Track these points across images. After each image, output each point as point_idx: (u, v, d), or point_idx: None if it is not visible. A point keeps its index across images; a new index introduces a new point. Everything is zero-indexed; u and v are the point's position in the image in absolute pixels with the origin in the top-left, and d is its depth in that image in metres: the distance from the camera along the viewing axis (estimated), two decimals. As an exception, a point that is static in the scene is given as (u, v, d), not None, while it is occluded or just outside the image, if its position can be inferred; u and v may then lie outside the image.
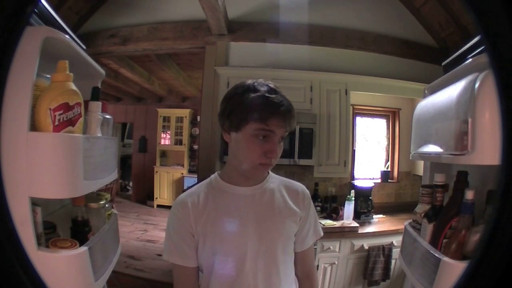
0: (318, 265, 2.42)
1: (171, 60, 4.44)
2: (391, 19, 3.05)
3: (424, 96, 1.24)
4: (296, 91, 2.70)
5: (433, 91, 1.12)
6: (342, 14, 3.00)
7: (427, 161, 1.27)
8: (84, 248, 0.76)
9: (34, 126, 0.68)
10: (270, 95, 0.83)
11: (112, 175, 1.04)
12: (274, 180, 0.98)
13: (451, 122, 0.85)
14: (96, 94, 0.93)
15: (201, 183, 0.97)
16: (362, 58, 3.02)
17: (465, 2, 0.37)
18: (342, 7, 2.98)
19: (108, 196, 1.06)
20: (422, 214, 0.99)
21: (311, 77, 2.75)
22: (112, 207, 1.13)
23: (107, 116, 1.03)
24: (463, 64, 0.91)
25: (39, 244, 0.68)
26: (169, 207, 6.98)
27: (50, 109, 0.68)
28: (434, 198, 0.96)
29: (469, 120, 0.75)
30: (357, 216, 2.76)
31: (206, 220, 0.87)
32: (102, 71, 1.14)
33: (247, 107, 0.83)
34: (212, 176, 0.97)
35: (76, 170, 0.72)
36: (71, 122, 0.74)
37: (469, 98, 0.76)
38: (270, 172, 0.98)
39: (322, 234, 1.01)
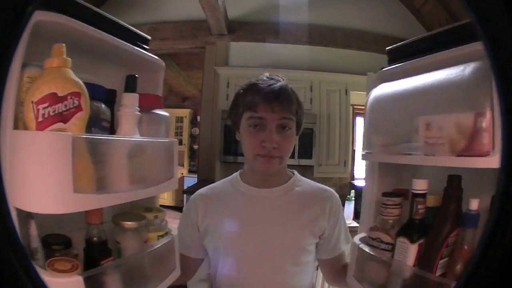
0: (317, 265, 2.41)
1: (171, 60, 4.44)
2: (391, 19, 3.05)
3: (382, 80, 0.88)
4: (296, 91, 2.69)
5: (404, 75, 0.79)
6: (342, 14, 3.01)
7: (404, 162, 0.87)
8: (75, 278, 0.57)
9: (24, 124, 0.54)
10: (258, 82, 0.80)
11: (161, 186, 0.71)
12: (300, 184, 0.89)
13: (458, 115, 0.61)
14: (131, 84, 0.72)
15: (226, 178, 0.93)
16: (362, 58, 3.02)
17: (465, 2, 0.37)
18: (342, 7, 2.98)
19: (160, 214, 0.75)
20: (393, 232, 0.72)
21: (311, 77, 2.75)
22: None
23: (161, 113, 0.76)
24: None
25: (34, 259, 0.53)
26: (169, 207, 6.95)
27: (32, 102, 0.55)
28: (415, 211, 0.68)
29: (488, 112, 0.59)
30: (357, 216, 2.75)
31: (213, 216, 0.85)
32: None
33: (238, 99, 0.83)
34: (235, 173, 0.92)
35: (65, 179, 0.53)
36: (63, 118, 0.58)
37: (489, 85, 0.52)
38: (298, 175, 0.91)
39: (351, 239, 0.87)
